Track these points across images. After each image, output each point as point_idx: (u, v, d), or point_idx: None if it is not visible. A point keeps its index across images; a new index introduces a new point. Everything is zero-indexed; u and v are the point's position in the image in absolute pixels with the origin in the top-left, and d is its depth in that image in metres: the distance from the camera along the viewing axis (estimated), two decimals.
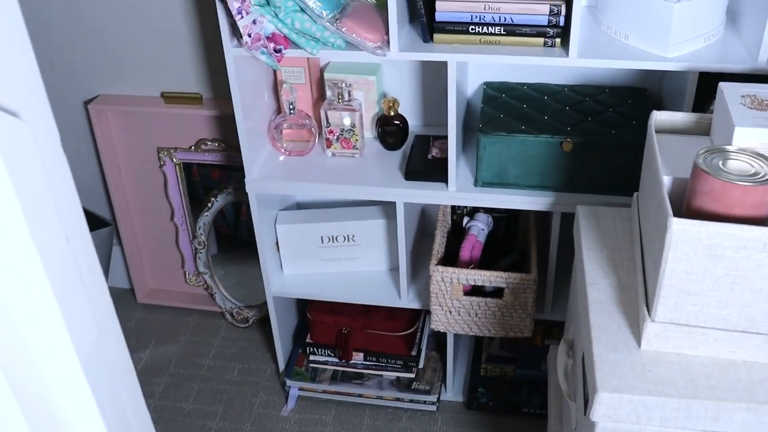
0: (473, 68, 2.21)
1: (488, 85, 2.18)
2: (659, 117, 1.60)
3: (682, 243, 1.28)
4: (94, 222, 2.76)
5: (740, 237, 1.25)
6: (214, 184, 2.70)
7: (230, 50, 1.94)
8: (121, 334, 0.96)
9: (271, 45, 1.89)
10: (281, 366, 2.60)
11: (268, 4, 1.84)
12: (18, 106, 0.74)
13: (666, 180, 1.43)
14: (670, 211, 1.28)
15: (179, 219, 2.77)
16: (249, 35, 1.84)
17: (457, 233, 2.31)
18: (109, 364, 0.92)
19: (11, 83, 0.73)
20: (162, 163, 2.64)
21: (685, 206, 1.38)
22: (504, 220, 2.33)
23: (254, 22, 1.85)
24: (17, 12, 0.74)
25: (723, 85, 1.53)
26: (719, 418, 1.32)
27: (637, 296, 1.48)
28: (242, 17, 1.81)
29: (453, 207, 2.32)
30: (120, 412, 0.96)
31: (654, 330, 1.39)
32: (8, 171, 0.68)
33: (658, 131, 1.60)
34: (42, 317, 0.76)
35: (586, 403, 1.43)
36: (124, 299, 2.98)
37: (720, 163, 1.35)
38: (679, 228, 1.27)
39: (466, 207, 2.30)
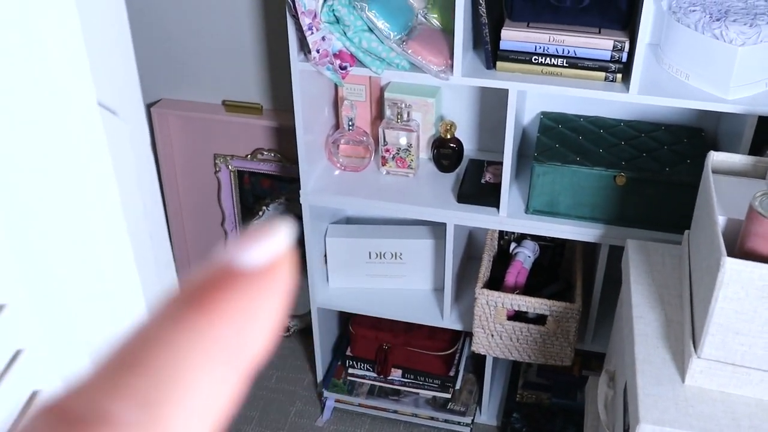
0: (531, 97, 2.24)
1: (545, 115, 2.21)
2: (716, 158, 1.62)
3: (734, 282, 1.30)
4: None
5: None
6: (265, 193, 2.75)
7: (297, 64, 1.99)
8: None
9: (338, 62, 1.93)
10: (319, 377, 2.63)
11: (338, 22, 1.89)
12: (117, 106, 0.78)
13: (721, 220, 1.44)
14: (724, 251, 1.30)
15: (229, 225, 2.82)
16: (317, 51, 1.89)
17: (502, 259, 2.33)
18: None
19: (114, 84, 0.78)
20: (217, 169, 2.70)
21: (739, 247, 1.40)
22: (550, 249, 2.35)
23: (323, 38, 1.90)
24: (124, 16, 0.79)
25: None
26: None
27: (684, 332, 1.50)
28: (312, 33, 1.86)
29: (501, 233, 2.34)
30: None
31: (699, 366, 1.40)
32: (113, 167, 0.72)
33: (714, 172, 1.62)
34: (129, 307, 0.80)
35: None
36: None
37: None
38: (732, 268, 1.29)
39: (513, 233, 2.33)
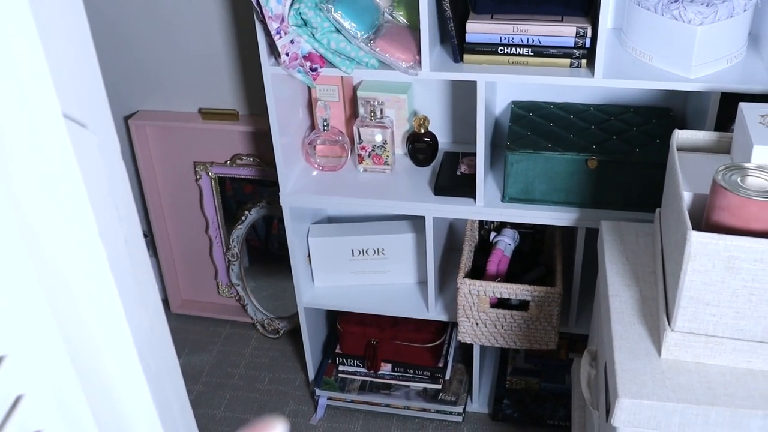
0: (501, 87, 2.27)
1: (516, 104, 2.25)
2: (681, 136, 1.66)
3: (701, 255, 1.34)
4: None
5: (757, 250, 1.31)
6: (247, 198, 2.78)
7: (268, 68, 2.02)
8: (168, 332, 1.03)
9: (308, 64, 1.97)
10: (311, 376, 2.67)
11: (306, 25, 1.92)
12: (86, 118, 0.81)
13: (686, 195, 1.48)
14: (689, 225, 1.34)
15: (213, 232, 2.85)
16: (287, 54, 1.93)
17: (484, 248, 2.37)
18: (157, 360, 0.99)
19: (81, 97, 0.81)
20: (198, 177, 2.73)
21: (705, 221, 1.43)
22: (530, 235, 2.39)
23: (292, 41, 1.93)
24: (87, 30, 0.82)
25: (743, 105, 1.59)
26: (736, 424, 1.37)
27: (658, 307, 1.54)
28: (281, 37, 1.89)
29: (480, 222, 2.38)
30: (166, 406, 1.02)
31: (673, 339, 1.44)
32: (82, 177, 0.75)
33: (680, 149, 1.65)
34: (105, 308, 0.83)
35: (608, 410, 1.49)
36: None
37: (738, 179, 1.40)
38: (698, 241, 1.32)
39: (493, 222, 2.36)
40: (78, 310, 0.82)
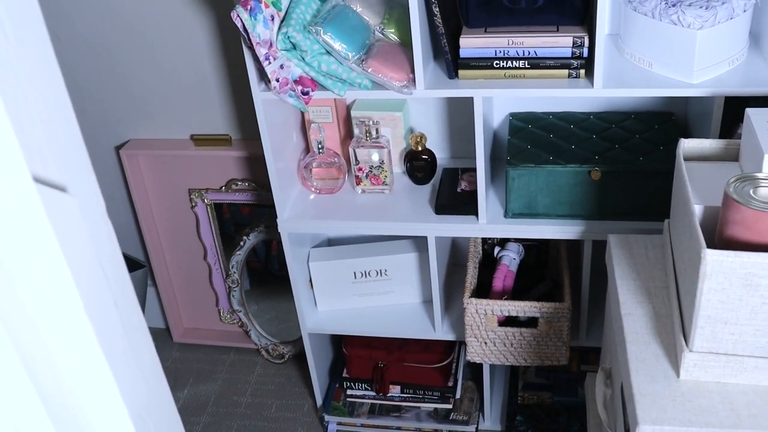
0: (498, 99, 2.22)
1: (514, 116, 2.20)
2: (687, 145, 1.61)
3: (717, 274, 1.28)
4: (128, 264, 2.79)
5: None
6: (245, 221, 2.73)
7: (258, 94, 1.97)
8: (168, 390, 0.98)
9: (299, 88, 1.92)
10: (319, 401, 2.61)
11: (295, 48, 1.87)
12: (66, 181, 0.76)
13: (697, 209, 1.43)
14: (703, 243, 1.29)
15: (212, 258, 2.80)
16: (277, 80, 1.88)
17: (488, 263, 2.32)
18: (156, 420, 0.94)
19: (59, 159, 0.76)
20: (193, 204, 2.68)
21: (718, 235, 1.38)
22: (535, 248, 2.34)
23: (281, 66, 1.88)
24: (64, 93, 0.77)
25: (750, 111, 1.54)
26: None
27: (674, 326, 1.49)
28: (270, 63, 1.84)
29: (484, 237, 2.33)
30: None
31: (692, 360, 1.39)
32: (60, 244, 0.70)
33: (686, 159, 1.60)
34: (95, 380, 0.78)
35: None
36: (159, 339, 3.01)
37: (751, 191, 1.35)
38: (713, 259, 1.27)
39: (496, 237, 2.31)
40: (66, 386, 0.77)
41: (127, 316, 0.87)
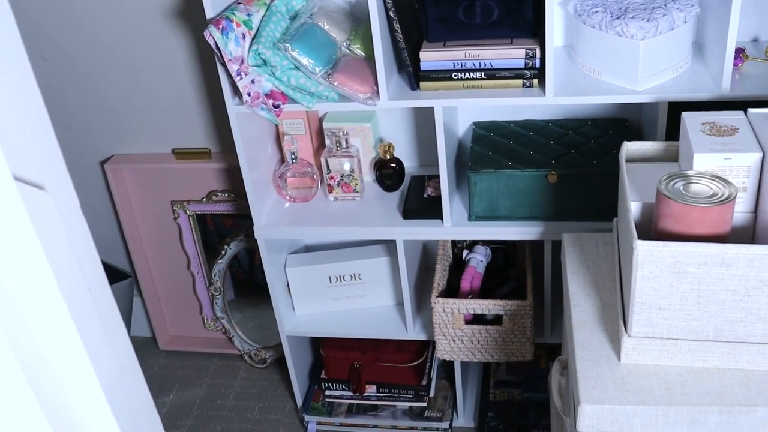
0: (462, 110, 2.34)
1: (477, 125, 2.32)
2: (630, 147, 1.73)
3: (648, 263, 1.40)
4: (114, 275, 2.91)
5: (700, 254, 1.37)
6: (228, 231, 2.84)
7: (233, 108, 2.09)
8: (140, 371, 1.08)
9: (270, 101, 2.03)
10: (299, 402, 2.72)
11: (265, 64, 1.99)
12: (43, 180, 0.87)
13: (634, 206, 1.55)
14: (635, 234, 1.41)
15: (195, 267, 2.91)
16: (249, 94, 1.99)
17: (458, 266, 2.43)
18: (130, 399, 1.04)
19: (37, 161, 0.87)
20: (176, 215, 2.79)
21: (653, 228, 1.50)
22: (501, 250, 2.46)
23: (253, 81, 2.00)
24: (38, 97, 0.88)
25: (685, 115, 1.65)
26: (695, 421, 1.42)
27: (617, 314, 1.60)
28: (241, 78, 1.96)
29: (453, 241, 2.44)
30: None
31: (631, 344, 1.50)
32: (39, 238, 0.81)
33: (631, 160, 1.72)
34: (70, 357, 0.89)
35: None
36: (146, 347, 3.11)
37: (681, 187, 1.47)
38: (644, 249, 1.39)
39: (465, 240, 2.42)
40: (45, 361, 0.88)
41: (101, 302, 0.98)
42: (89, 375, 0.92)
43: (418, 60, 2.00)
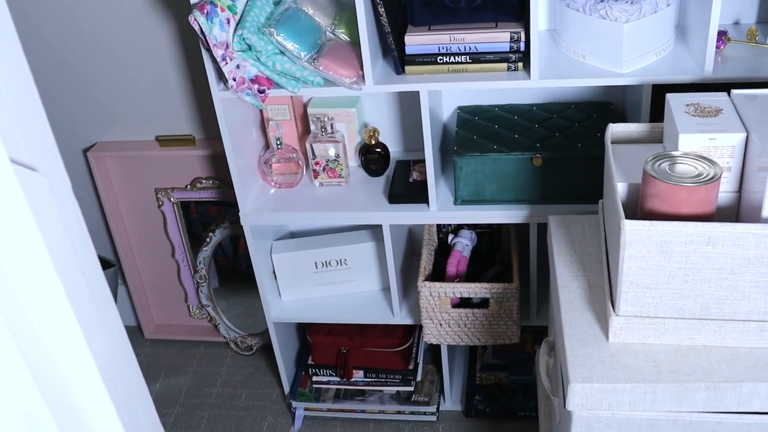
0: (447, 94, 2.35)
1: (462, 109, 2.32)
2: (616, 129, 1.74)
3: (635, 242, 1.41)
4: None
5: (686, 233, 1.39)
6: (212, 219, 2.83)
7: (217, 94, 2.08)
8: (132, 354, 1.08)
9: (255, 86, 2.03)
10: (286, 388, 2.72)
11: (250, 49, 1.99)
12: (36, 162, 0.87)
13: (621, 186, 1.56)
14: (622, 214, 1.42)
15: (180, 255, 2.90)
16: (234, 79, 1.99)
17: (444, 250, 2.44)
18: (124, 381, 1.05)
19: (30, 143, 0.87)
20: (160, 203, 2.78)
21: (640, 209, 1.51)
22: (487, 234, 2.47)
23: (238, 66, 1.99)
24: (30, 80, 0.88)
25: (670, 96, 1.67)
26: (682, 398, 1.44)
27: (605, 294, 1.61)
28: (226, 63, 1.96)
29: (438, 226, 2.45)
30: (137, 425, 1.08)
31: (619, 323, 1.52)
32: (33, 215, 0.81)
33: (616, 142, 1.74)
34: (66, 336, 0.89)
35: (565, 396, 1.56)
36: (131, 336, 3.10)
37: (667, 167, 1.48)
38: (631, 229, 1.40)
39: (450, 225, 2.43)
40: (41, 339, 0.88)
41: (94, 283, 0.98)
42: (85, 355, 0.92)
43: (404, 44, 2.00)
